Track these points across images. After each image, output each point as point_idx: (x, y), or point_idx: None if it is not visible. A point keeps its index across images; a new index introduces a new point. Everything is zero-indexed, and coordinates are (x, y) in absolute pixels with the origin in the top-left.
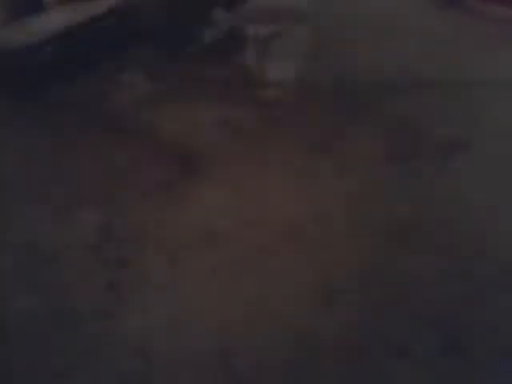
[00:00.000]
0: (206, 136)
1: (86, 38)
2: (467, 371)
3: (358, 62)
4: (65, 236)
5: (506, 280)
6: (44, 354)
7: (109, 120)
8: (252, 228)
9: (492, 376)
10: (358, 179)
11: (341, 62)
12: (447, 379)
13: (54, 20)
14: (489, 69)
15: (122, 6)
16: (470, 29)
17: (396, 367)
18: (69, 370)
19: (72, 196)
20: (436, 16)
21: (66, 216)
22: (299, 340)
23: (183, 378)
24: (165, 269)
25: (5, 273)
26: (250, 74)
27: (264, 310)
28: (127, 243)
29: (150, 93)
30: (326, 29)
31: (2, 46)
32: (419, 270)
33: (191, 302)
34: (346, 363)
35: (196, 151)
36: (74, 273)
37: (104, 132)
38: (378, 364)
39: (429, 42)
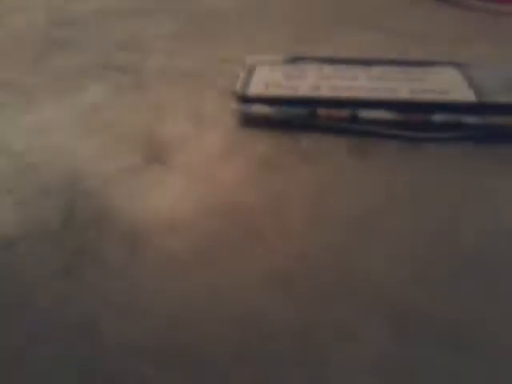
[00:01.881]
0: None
1: None
2: (415, 355)
3: None
4: (25, 223)
5: (466, 267)
6: (3, 341)
7: None
8: (212, 216)
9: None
10: (323, 168)
11: None
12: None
13: None
14: (489, 64)
15: None
16: (470, 25)
17: (344, 350)
18: (29, 355)
19: (34, 184)
20: (435, 13)
21: (28, 203)
22: (248, 325)
23: (132, 365)
24: (125, 256)
25: None
26: None
27: (222, 297)
28: (88, 230)
29: None
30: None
31: None
32: (374, 258)
33: (150, 289)
34: (293, 347)
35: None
36: (32, 259)
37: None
38: (324, 347)
39: (428, 39)
